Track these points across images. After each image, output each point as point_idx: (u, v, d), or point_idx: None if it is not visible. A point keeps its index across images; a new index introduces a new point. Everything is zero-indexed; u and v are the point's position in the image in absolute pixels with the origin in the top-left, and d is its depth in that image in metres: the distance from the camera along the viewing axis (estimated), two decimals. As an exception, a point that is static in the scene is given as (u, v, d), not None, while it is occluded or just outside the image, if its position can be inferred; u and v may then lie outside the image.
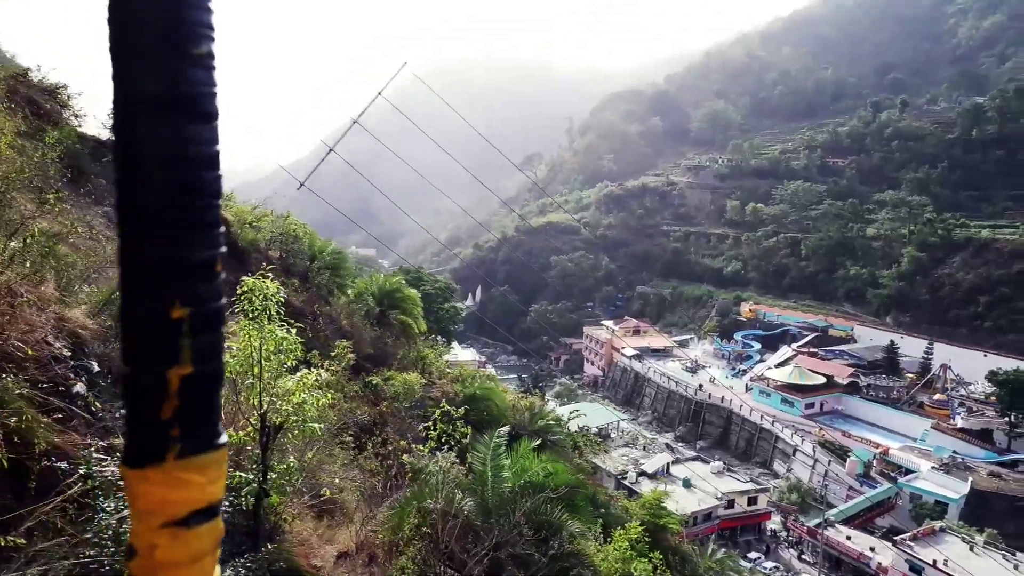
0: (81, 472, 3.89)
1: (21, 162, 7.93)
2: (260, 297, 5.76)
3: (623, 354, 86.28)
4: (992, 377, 56.66)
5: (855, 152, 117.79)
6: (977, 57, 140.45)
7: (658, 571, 11.51)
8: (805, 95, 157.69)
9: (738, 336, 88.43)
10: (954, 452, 54.12)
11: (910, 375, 69.16)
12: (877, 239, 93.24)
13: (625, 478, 45.61)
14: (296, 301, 13.84)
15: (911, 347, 72.06)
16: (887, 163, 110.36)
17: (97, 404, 4.72)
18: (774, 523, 51.18)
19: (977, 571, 36.59)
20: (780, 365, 72.79)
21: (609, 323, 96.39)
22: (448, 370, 17.58)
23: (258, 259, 15.38)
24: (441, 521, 6.55)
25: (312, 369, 6.30)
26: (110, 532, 3.53)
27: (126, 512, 3.61)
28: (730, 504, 47.78)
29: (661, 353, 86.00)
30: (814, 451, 57.33)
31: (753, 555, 45.94)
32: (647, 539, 12.35)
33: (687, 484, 48.35)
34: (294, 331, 6.10)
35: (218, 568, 0.77)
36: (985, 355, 66.25)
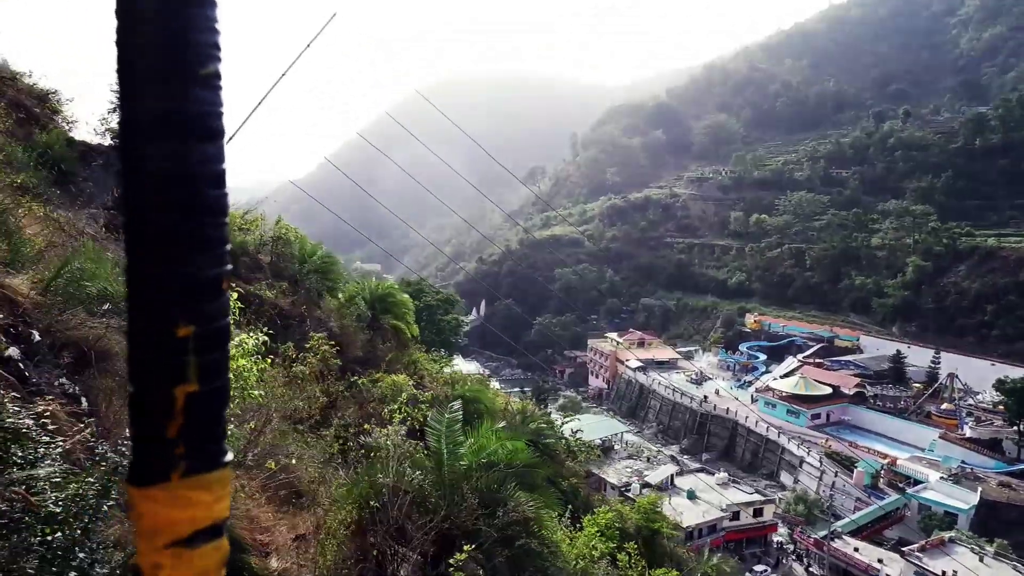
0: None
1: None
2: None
3: (627, 366, 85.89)
4: (1000, 386, 56.05)
5: (858, 163, 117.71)
6: (979, 68, 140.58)
7: (631, 559, 11.27)
8: (807, 107, 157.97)
9: (743, 347, 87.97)
10: (963, 462, 53.43)
11: (917, 385, 68.55)
12: (882, 248, 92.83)
13: (628, 490, 45.08)
14: (284, 303, 13.75)
15: (918, 356, 71.48)
16: (890, 173, 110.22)
17: (30, 372, 4.61)
18: (780, 535, 50.50)
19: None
20: (786, 376, 72.32)
21: (613, 335, 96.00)
22: (439, 374, 17.48)
23: (247, 262, 15.32)
24: (391, 496, 6.39)
25: (251, 334, 6.12)
26: (21, 487, 3.39)
27: (43, 469, 3.49)
28: (735, 516, 47.16)
29: (666, 365, 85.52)
30: (821, 462, 56.69)
31: (759, 568, 45.27)
32: (617, 526, 12.12)
33: (691, 496, 47.80)
34: (234, 295, 5.95)
35: None
36: (993, 364, 65.65)
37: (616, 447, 60.73)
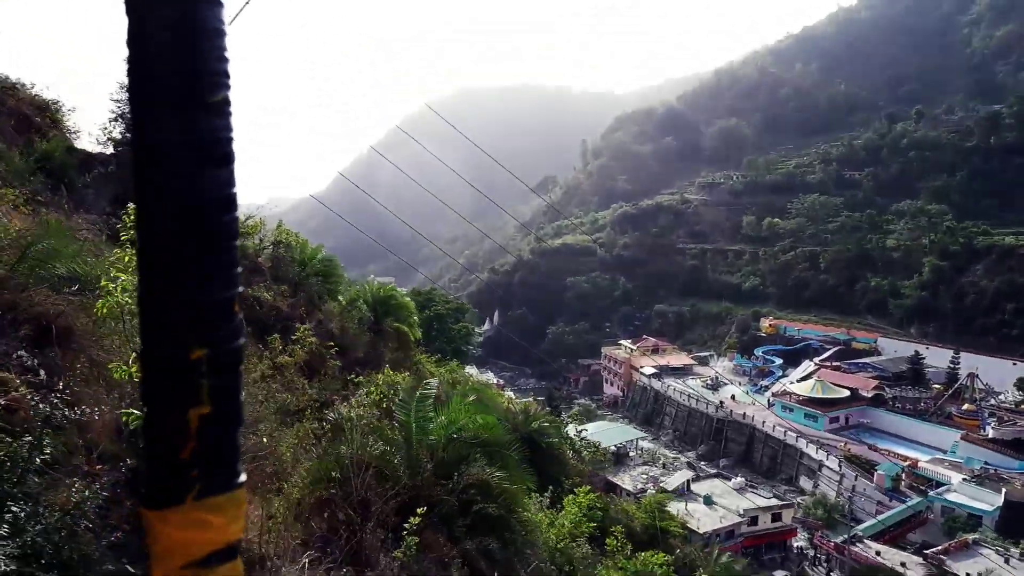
0: None
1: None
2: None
3: (642, 373, 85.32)
4: (1021, 384, 55.05)
5: (871, 164, 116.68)
6: (992, 66, 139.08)
7: (617, 542, 11.09)
8: (818, 110, 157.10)
9: (759, 352, 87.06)
10: (986, 463, 52.43)
11: (937, 386, 67.39)
12: (897, 249, 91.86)
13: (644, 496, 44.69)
14: (284, 305, 13.77)
15: (937, 357, 70.36)
16: (904, 174, 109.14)
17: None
18: (800, 540, 49.72)
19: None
20: (802, 380, 71.46)
21: (627, 343, 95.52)
22: (442, 375, 17.42)
23: (247, 266, 15.39)
24: (354, 469, 6.33)
25: None
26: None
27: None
28: (753, 521, 46.51)
29: (681, 371, 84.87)
30: (840, 466, 55.80)
31: (780, 574, 44.58)
32: (600, 507, 11.95)
33: (708, 501, 47.23)
34: None
35: None
36: (1015, 363, 64.58)
37: (631, 454, 60.28)
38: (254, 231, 16.19)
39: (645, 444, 67.58)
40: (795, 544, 49.31)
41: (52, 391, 4.98)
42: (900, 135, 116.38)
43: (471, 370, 52.08)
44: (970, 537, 41.32)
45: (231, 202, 0.74)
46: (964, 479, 50.22)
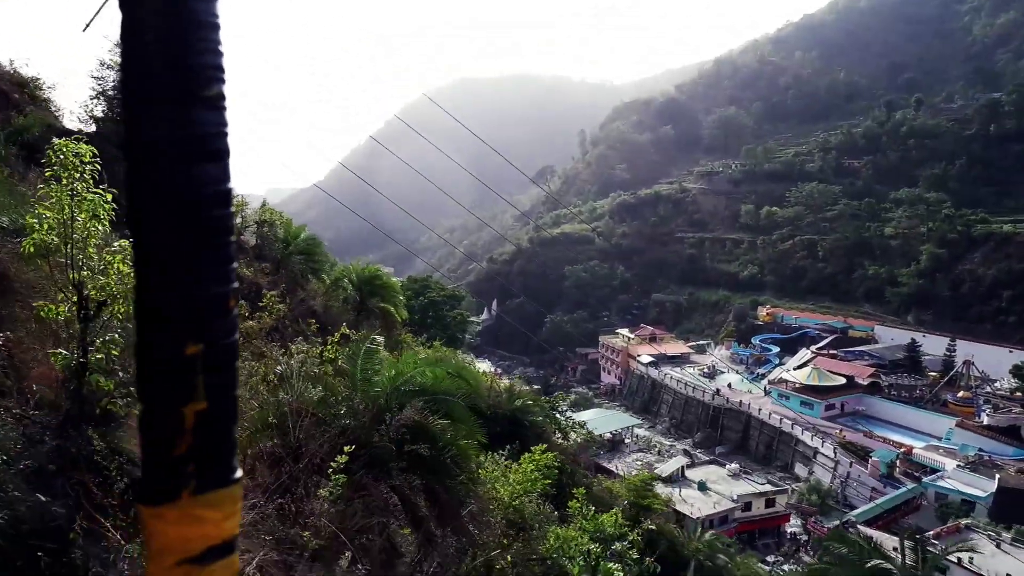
0: None
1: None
2: (72, 158, 5.53)
3: (639, 362, 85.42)
4: (1017, 372, 55.09)
5: (871, 152, 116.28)
6: (992, 54, 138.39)
7: (580, 503, 11.06)
8: (818, 98, 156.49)
9: (756, 340, 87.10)
10: (980, 450, 52.50)
11: (933, 373, 67.48)
12: (895, 237, 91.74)
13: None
14: (263, 281, 13.73)
15: (933, 345, 70.44)
16: (904, 162, 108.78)
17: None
18: (794, 526, 49.92)
19: (1005, 569, 35.31)
20: (799, 367, 71.48)
21: (625, 331, 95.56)
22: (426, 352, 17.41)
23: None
24: (293, 416, 6.31)
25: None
26: None
27: None
28: (747, 507, 46.71)
29: (678, 359, 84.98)
30: (835, 453, 55.96)
31: (772, 558, 44.76)
32: (558, 467, 11.94)
33: (703, 487, 47.42)
34: (110, 196, 5.87)
35: None
36: (1011, 351, 64.54)
37: (627, 441, 60.43)
38: (237, 210, 16.13)
39: (641, 432, 67.71)
40: (788, 530, 49.52)
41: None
42: (899, 123, 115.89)
43: (470, 359, 52.08)
44: (962, 522, 41.42)
45: (226, 197, 0.74)
46: (958, 465, 50.31)
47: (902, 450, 54.91)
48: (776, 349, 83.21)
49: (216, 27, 0.72)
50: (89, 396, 5.41)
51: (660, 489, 42.95)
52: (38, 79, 15.52)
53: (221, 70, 0.72)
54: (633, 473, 48.21)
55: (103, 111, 16.25)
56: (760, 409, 64.91)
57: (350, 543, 5.86)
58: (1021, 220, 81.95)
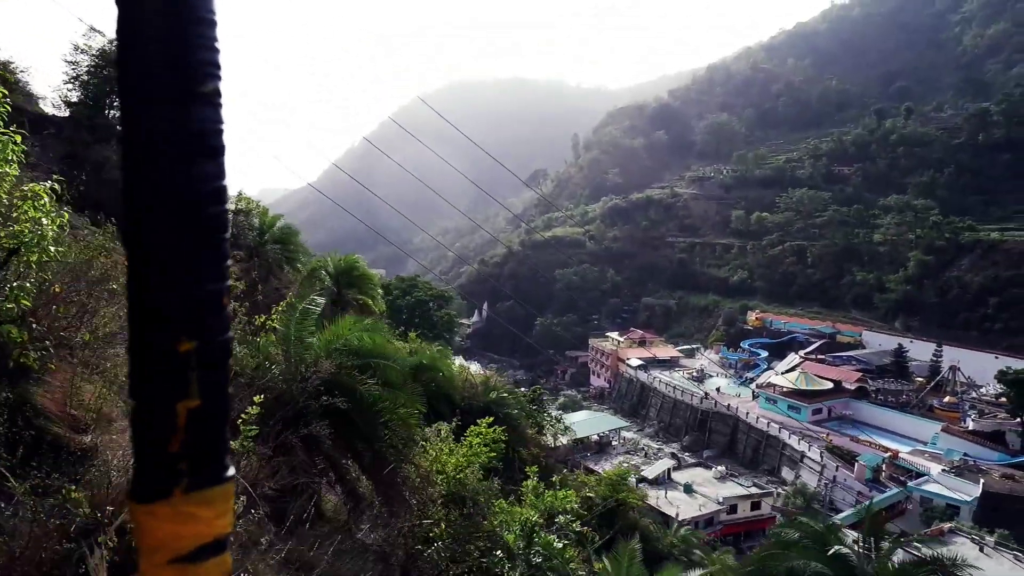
0: None
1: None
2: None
3: (629, 365, 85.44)
4: (1002, 377, 55.33)
5: (861, 160, 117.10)
6: (982, 64, 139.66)
7: (533, 482, 10.94)
8: (809, 105, 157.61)
9: (745, 344, 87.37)
10: (965, 455, 52.75)
11: (919, 379, 67.76)
12: (883, 244, 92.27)
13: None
14: (236, 270, 13.56)
15: (920, 351, 70.81)
16: (893, 169, 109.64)
17: None
18: (779, 529, 49.86)
19: (987, 572, 35.35)
20: (787, 372, 71.66)
21: (614, 335, 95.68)
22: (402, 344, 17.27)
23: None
24: None
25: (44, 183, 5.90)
26: None
27: None
28: (732, 509, 46.66)
29: (667, 363, 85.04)
30: (822, 457, 56.01)
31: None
32: (504, 438, 11.81)
33: (688, 489, 47.39)
34: (18, 138, 5.72)
35: None
36: (996, 357, 64.85)
37: (614, 443, 60.35)
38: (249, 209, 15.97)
39: (628, 434, 67.66)
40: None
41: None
42: (889, 131, 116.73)
43: (459, 361, 51.92)
44: (946, 526, 41.54)
45: (221, 194, 0.73)
46: (943, 470, 50.49)
47: (888, 454, 55.01)
48: (765, 354, 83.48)
49: (213, 23, 0.71)
50: (0, 347, 5.25)
51: (648, 491, 43.03)
52: (11, 62, 15.28)
53: (218, 66, 0.72)
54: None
55: (79, 97, 16.07)
56: (748, 413, 65.02)
57: (264, 501, 5.73)
58: (1008, 228, 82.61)
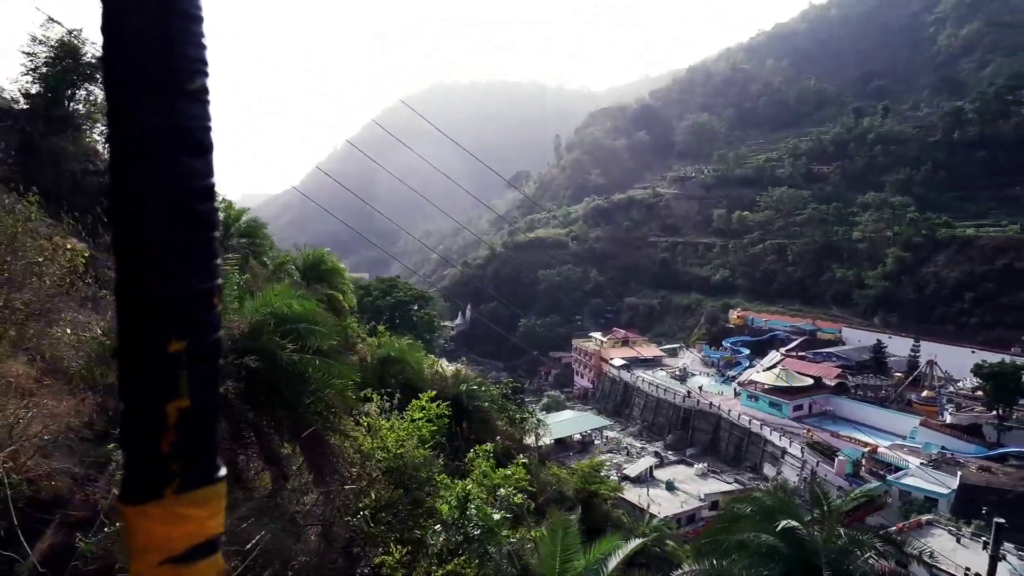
0: None
1: None
2: None
3: (612, 365, 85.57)
4: (977, 371, 55.98)
5: (839, 158, 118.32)
6: (957, 63, 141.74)
7: (481, 459, 10.86)
8: (788, 105, 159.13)
9: (727, 343, 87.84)
10: (943, 448, 53.28)
11: (898, 374, 68.51)
12: (862, 241, 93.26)
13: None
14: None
15: (898, 346, 71.57)
16: (871, 168, 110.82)
17: None
18: (761, 525, 50.07)
19: (964, 563, 35.72)
20: (768, 370, 72.09)
21: (597, 335, 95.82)
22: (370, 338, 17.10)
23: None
24: None
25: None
26: None
27: None
28: (714, 506, 46.75)
29: (650, 363, 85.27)
30: (803, 452, 56.40)
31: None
32: (448, 413, 11.75)
33: (670, 487, 47.54)
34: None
35: None
36: (973, 351, 65.61)
37: (597, 442, 60.37)
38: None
39: (611, 433, 67.74)
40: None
41: None
42: (867, 130, 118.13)
43: (442, 363, 51.69)
44: (924, 518, 41.96)
45: (209, 192, 0.72)
46: (922, 463, 50.99)
47: (868, 449, 55.46)
48: (746, 352, 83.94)
49: (199, 20, 0.70)
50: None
51: (630, 490, 43.08)
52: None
53: (204, 63, 0.71)
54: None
55: (39, 91, 15.79)
56: (730, 411, 65.38)
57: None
58: (983, 224, 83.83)
